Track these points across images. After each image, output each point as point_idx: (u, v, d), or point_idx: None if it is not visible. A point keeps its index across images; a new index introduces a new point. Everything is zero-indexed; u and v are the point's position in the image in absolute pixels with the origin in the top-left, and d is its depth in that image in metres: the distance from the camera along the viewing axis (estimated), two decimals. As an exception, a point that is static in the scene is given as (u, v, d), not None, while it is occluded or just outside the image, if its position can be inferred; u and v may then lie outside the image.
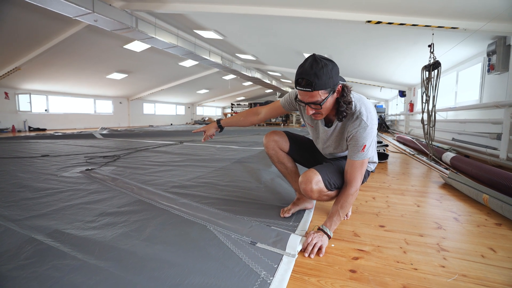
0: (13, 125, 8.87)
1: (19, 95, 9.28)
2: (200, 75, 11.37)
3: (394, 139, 7.02)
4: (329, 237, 1.16)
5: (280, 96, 19.49)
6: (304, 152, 1.54)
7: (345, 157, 1.33)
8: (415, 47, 4.73)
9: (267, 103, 19.40)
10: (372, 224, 1.41)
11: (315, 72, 0.99)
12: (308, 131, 1.46)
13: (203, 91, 15.59)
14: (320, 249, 1.10)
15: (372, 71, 7.80)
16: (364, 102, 1.16)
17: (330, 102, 1.09)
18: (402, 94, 9.46)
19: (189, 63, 9.40)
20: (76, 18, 4.71)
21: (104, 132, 7.21)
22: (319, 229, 1.17)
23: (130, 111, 13.87)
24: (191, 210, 1.49)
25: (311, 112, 1.11)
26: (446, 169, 2.84)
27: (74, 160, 3.09)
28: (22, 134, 7.07)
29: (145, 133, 7.31)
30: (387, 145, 5.06)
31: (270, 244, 1.13)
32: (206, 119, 19.29)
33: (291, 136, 1.50)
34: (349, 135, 1.18)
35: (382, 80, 8.79)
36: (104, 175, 2.28)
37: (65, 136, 6.13)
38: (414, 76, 7.19)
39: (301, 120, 15.87)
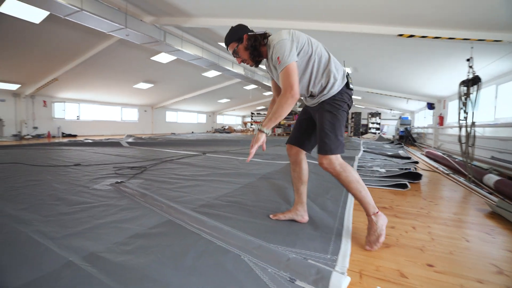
0: (48, 131, 9.44)
1: (55, 103, 9.90)
2: (222, 85, 11.57)
3: (423, 154, 6.66)
4: (266, 134, 1.43)
5: (300, 106, 19.35)
6: (303, 134, 1.71)
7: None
8: (449, 59, 4.50)
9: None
10: (418, 262, 1.28)
11: (226, 35, 1.54)
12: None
13: (224, 100, 15.84)
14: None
15: (399, 83, 7.53)
16: (280, 36, 1.41)
17: (241, 48, 1.51)
18: (430, 106, 9.04)
19: (212, 73, 9.60)
20: (110, 33, 4.97)
21: (130, 140, 7.47)
22: (259, 130, 1.43)
23: (153, 119, 14.35)
24: (223, 235, 1.45)
25: (238, 60, 1.56)
26: (490, 193, 2.61)
27: (104, 171, 3.18)
28: (56, 140, 7.49)
29: (168, 141, 7.48)
30: (417, 162, 4.80)
31: (310, 282, 1.05)
32: (226, 127, 19.52)
33: (296, 140, 1.72)
34: (272, 58, 1.44)
35: (409, 92, 8.46)
36: (133, 189, 2.31)
37: (94, 144, 6.41)
38: (445, 89, 6.84)
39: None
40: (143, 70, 8.72)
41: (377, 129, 17.29)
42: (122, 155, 4.70)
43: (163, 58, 7.66)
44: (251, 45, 1.49)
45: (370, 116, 17.43)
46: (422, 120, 11.83)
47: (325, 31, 4.07)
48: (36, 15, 4.84)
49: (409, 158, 5.41)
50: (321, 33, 4.51)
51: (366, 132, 17.33)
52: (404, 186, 2.93)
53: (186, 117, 17.13)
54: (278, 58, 1.37)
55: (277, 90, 1.69)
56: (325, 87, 1.47)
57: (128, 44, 6.57)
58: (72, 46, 6.37)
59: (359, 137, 15.07)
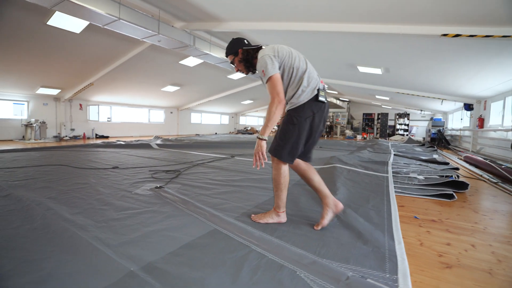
0: (84, 133, 10.04)
1: (90, 106, 10.50)
2: (246, 86, 11.64)
3: (460, 159, 6.23)
4: (265, 141, 1.60)
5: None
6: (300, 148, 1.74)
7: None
8: (495, 59, 4.16)
9: (309, 113, 19.04)
10: (491, 289, 1.17)
11: (227, 47, 1.83)
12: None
13: (248, 101, 15.93)
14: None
15: (435, 84, 7.11)
16: (263, 51, 1.65)
17: (237, 60, 1.80)
18: (468, 107, 8.45)
19: (237, 75, 9.68)
20: (143, 39, 5.17)
21: (158, 142, 7.72)
22: (259, 139, 1.60)
23: (179, 121, 14.75)
24: (273, 248, 1.42)
25: (236, 69, 1.86)
26: (553, 208, 2.36)
27: (141, 174, 3.30)
28: (91, 142, 7.93)
29: (194, 143, 7.63)
30: (457, 168, 4.49)
31: (376, 307, 0.99)
32: (249, 128, 19.62)
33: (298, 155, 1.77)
34: (260, 72, 1.64)
35: (445, 93, 7.96)
36: (173, 195, 2.36)
37: (127, 146, 6.69)
38: (488, 89, 6.35)
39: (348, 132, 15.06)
40: (171, 73, 8.99)
41: (405, 130, 16.49)
42: (154, 158, 4.86)
43: (191, 61, 7.84)
44: (244, 59, 1.78)
45: (397, 117, 16.67)
46: (458, 122, 11.10)
47: (360, 33, 3.93)
48: (77, 25, 5.14)
49: (446, 163, 5.08)
50: (354, 34, 4.37)
51: (393, 134, 16.60)
52: (449, 196, 2.74)
53: (210, 118, 17.44)
54: (262, 71, 1.60)
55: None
56: (292, 96, 1.66)
57: (158, 50, 6.80)
58: (107, 53, 6.71)
59: (386, 139, 14.47)
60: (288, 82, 1.67)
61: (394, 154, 6.36)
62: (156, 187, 2.58)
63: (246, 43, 1.78)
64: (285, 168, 1.71)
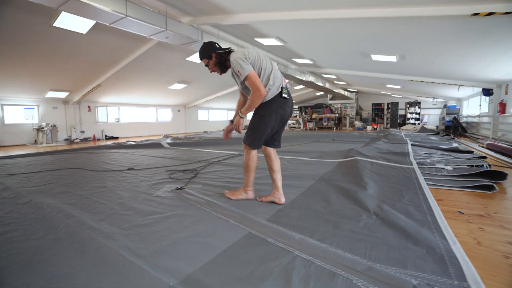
0: (94, 134, 10.06)
1: (98, 108, 10.50)
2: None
3: (482, 146, 5.97)
4: (243, 118, 2.03)
5: (331, 99, 18.67)
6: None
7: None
8: (525, 38, 3.89)
9: (316, 106, 18.74)
10: None
11: (200, 51, 1.99)
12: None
13: (253, 96, 15.74)
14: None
15: (452, 69, 6.81)
16: (234, 55, 1.87)
17: (211, 63, 1.97)
18: (487, 92, 8.10)
19: (244, 70, 9.50)
20: (150, 36, 5.04)
21: (169, 140, 7.65)
22: (240, 116, 2.02)
23: (186, 118, 14.69)
24: (319, 252, 1.29)
25: (210, 70, 2.04)
26: None
27: (158, 175, 3.20)
28: (102, 143, 7.92)
29: (205, 141, 7.53)
30: (484, 157, 4.27)
31: (460, 324, 0.86)
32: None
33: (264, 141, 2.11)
34: (233, 71, 1.92)
35: (462, 78, 7.64)
36: (196, 196, 2.25)
37: (137, 146, 6.63)
38: (504, 72, 6.04)
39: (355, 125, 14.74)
40: (178, 71, 8.88)
41: (417, 119, 16.08)
42: (168, 157, 4.77)
43: (197, 58, 7.68)
44: (218, 62, 1.97)
45: (408, 106, 16.25)
46: (474, 108, 10.72)
47: (379, 18, 3.71)
48: (83, 25, 5.04)
49: (471, 152, 4.84)
50: (368, 20, 4.15)
51: (404, 123, 16.21)
52: (489, 187, 2.55)
53: (217, 115, 17.33)
54: (238, 71, 1.83)
55: (242, 93, 2.15)
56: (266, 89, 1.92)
57: (165, 47, 6.67)
58: (113, 52, 6.62)
59: (397, 129, 14.13)
60: (260, 76, 1.90)
61: (411, 144, 6.13)
62: (177, 189, 2.47)
63: (218, 46, 1.98)
64: (254, 153, 2.06)
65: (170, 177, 3.06)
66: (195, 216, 1.80)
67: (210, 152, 5.40)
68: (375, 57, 6.35)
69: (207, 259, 1.25)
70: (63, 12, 4.42)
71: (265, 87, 1.88)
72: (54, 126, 8.65)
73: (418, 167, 3.50)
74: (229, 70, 2.02)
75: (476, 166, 3.54)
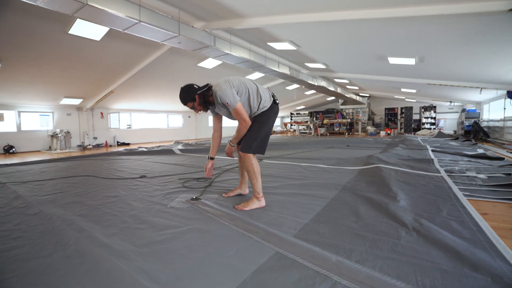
0: (106, 141, 10.13)
1: (110, 114, 10.60)
2: (264, 86, 11.34)
3: (511, 152, 5.60)
4: (232, 146, 2.20)
5: (342, 104, 18.35)
6: None
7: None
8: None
9: (327, 111, 18.46)
10: None
11: (181, 97, 2.09)
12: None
13: (264, 102, 15.63)
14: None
15: (474, 71, 6.50)
16: (218, 85, 2.00)
17: (196, 104, 2.08)
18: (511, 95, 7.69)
19: (255, 75, 9.41)
20: (163, 42, 4.99)
21: (180, 147, 7.58)
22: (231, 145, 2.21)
23: (197, 124, 14.70)
24: (362, 278, 1.10)
25: (196, 111, 2.17)
26: None
27: (171, 184, 3.07)
28: (114, 150, 7.93)
29: (217, 147, 7.40)
30: (519, 164, 3.95)
31: None
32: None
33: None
34: (219, 100, 1.97)
35: (485, 81, 7.28)
36: (213, 208, 2.09)
37: (149, 153, 6.58)
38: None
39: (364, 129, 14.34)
40: (190, 77, 8.86)
41: (432, 124, 15.56)
42: (180, 164, 4.66)
43: (209, 63, 7.65)
44: (202, 101, 2.08)
45: (423, 110, 15.77)
46: (495, 112, 10.24)
47: (400, 18, 3.52)
48: (97, 32, 5.06)
49: (502, 158, 4.52)
50: (386, 22, 3.97)
51: (419, 128, 15.70)
52: (537, 199, 2.29)
53: (227, 120, 17.22)
54: (227, 103, 1.93)
55: (218, 124, 2.31)
56: (258, 106, 2.09)
57: (177, 53, 6.65)
58: (126, 59, 6.65)
59: (412, 134, 13.67)
60: (248, 99, 2.06)
61: (432, 150, 5.83)
62: (192, 199, 2.32)
63: (197, 87, 2.06)
64: (254, 160, 2.10)
65: (184, 186, 2.93)
66: (214, 232, 1.64)
67: (223, 158, 5.26)
68: (392, 60, 6.12)
69: (234, 285, 1.08)
70: (78, 20, 4.43)
71: (260, 100, 2.08)
72: (68, 132, 8.74)
73: (447, 175, 3.25)
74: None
75: (515, 174, 3.26)
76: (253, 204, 2.07)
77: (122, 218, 1.90)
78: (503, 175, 3.21)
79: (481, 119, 10.99)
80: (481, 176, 3.20)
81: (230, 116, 2.14)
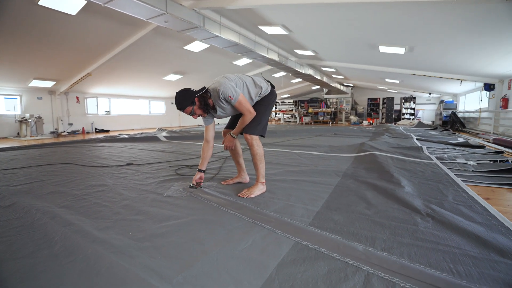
0: (83, 127, 9.48)
1: (87, 99, 9.89)
2: (252, 73, 11.07)
3: (488, 141, 5.88)
4: (233, 137, 2.09)
5: (327, 93, 18.47)
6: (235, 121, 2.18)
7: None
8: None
9: (312, 100, 18.52)
10: None
11: (178, 102, 1.91)
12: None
13: (249, 90, 15.35)
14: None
15: (457, 64, 6.67)
16: (219, 83, 1.92)
17: (196, 108, 1.94)
18: (488, 87, 8.04)
19: (242, 61, 9.12)
20: (148, 20, 4.59)
21: (164, 134, 7.25)
22: (232, 136, 2.09)
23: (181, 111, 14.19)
24: (396, 268, 1.02)
25: (195, 116, 1.99)
26: None
27: (163, 171, 2.86)
28: (92, 136, 7.42)
29: (202, 134, 7.16)
30: (502, 152, 4.13)
31: None
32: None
33: (231, 126, 2.22)
34: (221, 97, 1.89)
35: (466, 73, 7.53)
36: (216, 196, 1.94)
37: (132, 139, 6.21)
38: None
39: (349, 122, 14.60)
40: (174, 60, 8.40)
41: (412, 114, 16.13)
42: (168, 151, 4.41)
43: (196, 46, 7.26)
44: (202, 103, 1.95)
45: (403, 101, 16.26)
46: (471, 104, 10.74)
47: (396, 2, 3.44)
48: (73, 5, 4.55)
49: (482, 147, 4.72)
50: (381, 6, 3.88)
51: (399, 119, 16.23)
52: (529, 184, 2.35)
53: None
54: (230, 96, 1.87)
55: (210, 133, 2.15)
56: (260, 93, 2.08)
57: (162, 34, 6.21)
58: (106, 38, 6.11)
59: (393, 124, 14.10)
60: (248, 92, 2.03)
61: (417, 139, 5.99)
62: (191, 187, 2.15)
63: (195, 90, 1.95)
64: (260, 142, 2.06)
65: (177, 173, 2.73)
66: (222, 222, 1.50)
67: (216, 146, 5.05)
68: (382, 49, 6.11)
69: (260, 282, 0.96)
70: (49, -12, 3.94)
71: (259, 92, 2.07)
72: (40, 117, 8.05)
73: (440, 162, 3.31)
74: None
75: (500, 161, 3.38)
76: (257, 190, 1.99)
77: (114, 209, 1.70)
78: (490, 162, 3.32)
79: (458, 110, 11.49)
80: (471, 163, 3.29)
81: (233, 112, 2.08)
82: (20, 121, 7.78)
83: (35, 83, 7.95)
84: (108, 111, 10.81)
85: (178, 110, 1.93)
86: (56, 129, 8.80)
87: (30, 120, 7.75)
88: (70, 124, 9.30)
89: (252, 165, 2.14)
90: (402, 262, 1.08)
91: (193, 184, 2.12)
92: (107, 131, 10.23)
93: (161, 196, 1.99)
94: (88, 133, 9.57)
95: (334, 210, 1.68)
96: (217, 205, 1.76)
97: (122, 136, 6.94)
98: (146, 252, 1.17)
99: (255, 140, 2.02)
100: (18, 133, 7.98)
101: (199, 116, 1.99)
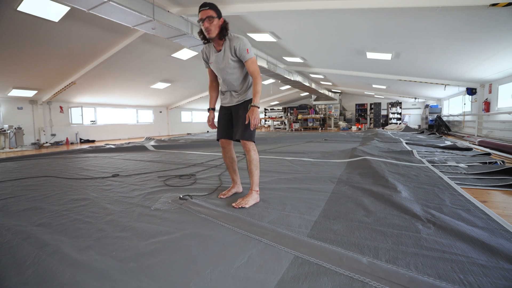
0: (67, 138, 9.11)
1: (72, 109, 9.57)
2: (240, 81, 11.05)
3: (473, 143, 6.02)
4: (257, 107, 1.84)
5: (315, 100, 18.70)
6: (232, 128, 2.07)
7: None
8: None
9: (301, 107, 18.69)
10: None
11: (210, 2, 1.79)
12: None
13: (239, 97, 15.33)
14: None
15: (441, 69, 6.87)
16: (236, 36, 1.86)
17: (217, 22, 1.79)
18: (471, 92, 8.32)
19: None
20: (135, 27, 4.50)
21: (152, 143, 7.06)
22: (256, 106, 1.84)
23: (169, 120, 13.96)
24: (405, 282, 0.95)
25: (207, 25, 1.77)
26: None
27: (150, 182, 2.72)
28: (77, 147, 7.13)
29: (193, 143, 7.02)
30: (489, 154, 4.20)
31: None
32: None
33: (227, 134, 2.09)
34: (235, 48, 1.82)
35: (448, 78, 7.76)
36: (208, 208, 1.83)
37: (119, 149, 5.99)
38: (495, 71, 6.16)
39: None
40: (162, 69, 8.28)
41: (398, 119, 16.51)
42: (156, 161, 4.25)
43: (184, 54, 7.18)
44: (223, 27, 1.84)
45: (390, 106, 16.64)
46: (454, 108, 11.09)
47: (384, 9, 3.49)
48: (56, 12, 4.40)
49: (470, 149, 4.81)
50: (368, 13, 3.95)
51: (386, 123, 16.58)
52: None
53: (201, 116, 16.68)
54: (247, 49, 1.83)
55: (213, 76, 2.12)
56: (249, 87, 2.01)
57: (149, 41, 6.11)
58: (91, 45, 5.94)
59: (381, 129, 14.36)
60: (246, 72, 1.96)
61: (406, 143, 6.07)
62: (180, 198, 2.03)
63: None
64: (256, 148, 2.01)
65: (166, 184, 2.60)
66: (215, 236, 1.39)
67: (203, 154, 4.93)
68: (370, 55, 6.22)
69: (260, 306, 0.86)
70: (29, -6, 3.79)
71: (250, 85, 2.00)
72: (19, 128, 7.68)
73: (432, 165, 3.32)
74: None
75: (490, 163, 3.42)
76: (251, 199, 1.90)
77: (97, 226, 1.56)
78: (480, 164, 3.36)
79: (442, 114, 11.83)
80: (462, 165, 3.31)
81: (223, 72, 1.92)
82: (-2, 133, 7.40)
83: (15, 93, 7.62)
84: (94, 121, 10.49)
85: (200, 11, 1.75)
86: (37, 140, 8.42)
87: (8, 131, 7.38)
88: (53, 135, 8.93)
89: (242, 173, 2.07)
90: (411, 275, 1.01)
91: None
92: (93, 141, 9.89)
93: (149, 209, 1.86)
94: (72, 143, 9.22)
95: (333, 219, 1.61)
96: (209, 217, 1.65)
97: (108, 146, 6.71)
98: (131, 275, 1.05)
99: (253, 145, 1.98)
100: (-4, 145, 7.57)
101: (206, 29, 1.77)
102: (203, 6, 1.77)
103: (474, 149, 4.78)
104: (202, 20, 1.77)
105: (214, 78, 2.14)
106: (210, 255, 1.20)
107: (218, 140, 2.13)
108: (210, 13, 1.75)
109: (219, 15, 1.80)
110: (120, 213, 1.78)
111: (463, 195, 2.07)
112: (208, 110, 2.19)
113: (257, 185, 1.97)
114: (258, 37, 6.04)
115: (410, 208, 1.74)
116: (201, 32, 1.88)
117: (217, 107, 2.00)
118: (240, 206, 1.82)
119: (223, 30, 1.83)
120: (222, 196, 2.10)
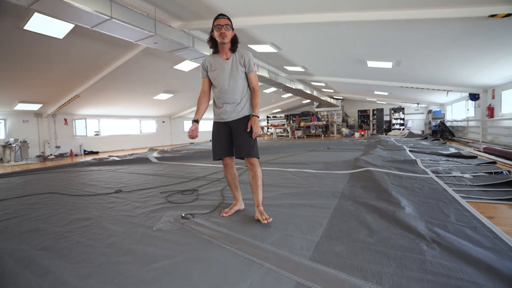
0: (71, 150, 9.21)
1: (76, 121, 9.70)
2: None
3: (478, 150, 5.95)
4: (257, 117, 2.01)
5: (317, 106, 18.74)
6: (232, 144, 2.09)
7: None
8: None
9: (303, 114, 18.73)
10: None
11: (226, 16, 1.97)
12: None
13: (241, 106, 15.41)
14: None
15: (443, 75, 6.87)
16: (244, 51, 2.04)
17: (231, 32, 1.95)
18: (473, 97, 8.28)
19: (233, 79, 9.18)
20: (137, 42, 4.59)
21: (156, 154, 7.09)
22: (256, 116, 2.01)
23: (172, 130, 14.05)
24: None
25: (224, 30, 1.89)
26: None
27: (153, 199, 2.72)
28: (81, 159, 7.19)
29: (195, 154, 7.07)
30: (494, 162, 4.15)
31: None
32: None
33: (230, 152, 2.11)
34: (245, 58, 1.98)
35: (452, 84, 7.75)
36: (210, 228, 1.82)
37: (122, 162, 6.03)
38: (498, 76, 6.14)
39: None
40: (164, 80, 8.39)
41: (401, 125, 16.44)
42: (159, 174, 4.27)
43: (186, 66, 7.28)
44: (235, 39, 2.00)
45: (392, 111, 16.61)
46: (457, 113, 11.02)
47: (385, 21, 3.52)
48: (60, 29, 4.51)
49: (474, 157, 4.75)
50: (367, 25, 3.99)
51: (389, 129, 16.51)
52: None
53: (203, 125, 16.74)
54: (254, 63, 2.02)
55: (208, 86, 2.13)
56: (248, 101, 2.06)
57: (151, 54, 6.22)
58: (95, 60, 6.07)
59: (385, 135, 14.29)
60: (246, 84, 2.07)
61: (410, 151, 6.02)
62: (182, 217, 2.03)
63: None
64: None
65: (168, 201, 2.60)
66: (217, 260, 1.38)
67: (206, 166, 4.94)
68: (371, 64, 6.26)
69: None
70: (35, 13, 3.89)
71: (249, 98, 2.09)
72: (25, 141, 7.79)
73: (436, 176, 3.28)
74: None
75: (495, 173, 3.37)
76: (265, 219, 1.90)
77: (99, 249, 1.56)
78: (485, 174, 3.31)
79: (446, 119, 11.75)
80: (467, 176, 3.27)
81: (226, 79, 1.98)
82: (4, 146, 7.50)
83: (21, 107, 7.76)
84: (98, 132, 10.60)
85: (219, 17, 1.90)
86: (42, 152, 8.52)
87: (14, 145, 7.49)
88: (58, 147, 9.03)
89: (243, 188, 2.08)
90: (415, 305, 0.99)
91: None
92: (97, 152, 9.98)
93: (151, 229, 1.86)
94: (76, 155, 9.31)
95: (335, 239, 1.59)
96: (211, 238, 1.65)
97: (112, 158, 6.76)
98: (131, 305, 1.04)
99: (257, 162, 2.06)
100: (1, 159, 7.67)
101: (221, 35, 1.88)
102: (222, 15, 1.94)
103: (479, 157, 4.72)
104: (219, 25, 1.88)
105: (207, 89, 2.14)
106: (211, 281, 1.19)
107: (220, 159, 2.11)
108: (228, 22, 1.93)
109: (232, 27, 1.97)
110: (122, 235, 1.78)
111: (468, 211, 2.04)
112: (193, 122, 2.07)
113: (259, 202, 2.03)
114: (259, 48, 6.11)
115: (414, 226, 1.72)
116: (210, 39, 2.00)
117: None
118: (267, 221, 1.85)
119: (234, 43, 2.00)
120: (224, 214, 2.09)
